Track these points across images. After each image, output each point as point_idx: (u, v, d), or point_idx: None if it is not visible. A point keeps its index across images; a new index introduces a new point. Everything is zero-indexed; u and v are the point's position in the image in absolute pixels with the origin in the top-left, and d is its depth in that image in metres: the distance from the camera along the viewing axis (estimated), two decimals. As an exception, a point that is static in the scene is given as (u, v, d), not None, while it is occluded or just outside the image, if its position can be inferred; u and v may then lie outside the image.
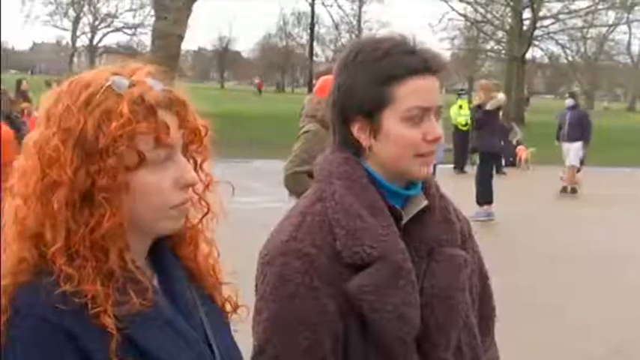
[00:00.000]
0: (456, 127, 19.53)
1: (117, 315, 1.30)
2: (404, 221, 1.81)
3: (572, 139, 15.51)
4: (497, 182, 13.26)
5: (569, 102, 16.43)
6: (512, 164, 20.54)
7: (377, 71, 1.74)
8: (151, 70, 1.41)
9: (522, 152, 20.71)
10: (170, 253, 1.52)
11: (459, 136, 19.36)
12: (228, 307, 1.60)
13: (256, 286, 1.77)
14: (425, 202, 1.83)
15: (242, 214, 11.90)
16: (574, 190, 15.68)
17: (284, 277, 1.70)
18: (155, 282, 1.45)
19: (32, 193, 1.32)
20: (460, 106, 20.06)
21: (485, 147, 12.67)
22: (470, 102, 21.16)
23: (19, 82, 14.89)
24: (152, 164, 1.36)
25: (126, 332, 1.31)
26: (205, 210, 1.53)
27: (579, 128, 15.63)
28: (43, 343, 1.26)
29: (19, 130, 6.19)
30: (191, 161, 1.47)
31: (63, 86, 1.38)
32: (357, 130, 1.79)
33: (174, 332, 1.39)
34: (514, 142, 21.31)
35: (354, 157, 1.81)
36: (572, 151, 15.57)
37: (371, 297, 1.70)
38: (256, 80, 76.56)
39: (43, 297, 1.27)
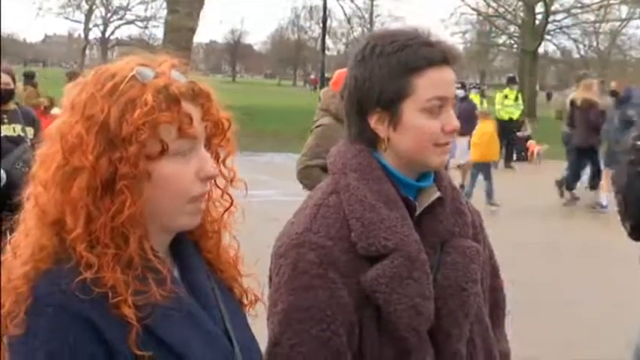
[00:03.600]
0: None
1: (137, 305, 1.30)
2: (417, 213, 1.82)
3: (460, 132, 13.81)
4: (506, 176, 13.24)
5: (459, 92, 15.00)
6: (524, 158, 20.46)
7: (396, 63, 1.75)
8: (175, 63, 1.43)
9: (533, 147, 20.61)
10: (191, 245, 1.53)
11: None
12: (246, 299, 1.61)
13: (270, 278, 1.78)
14: (437, 194, 1.84)
15: (252, 207, 11.92)
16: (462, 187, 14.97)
17: (299, 268, 1.70)
18: (176, 273, 1.46)
19: (53, 179, 1.33)
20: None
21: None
22: (483, 96, 21.08)
23: (32, 75, 14.87)
24: (174, 155, 1.37)
25: (145, 323, 1.31)
26: (228, 204, 1.56)
27: (469, 122, 13.52)
28: (63, 332, 1.26)
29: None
30: (214, 155, 1.48)
31: (88, 76, 1.39)
32: (375, 122, 1.80)
33: (194, 324, 1.40)
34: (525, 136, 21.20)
35: (367, 149, 1.82)
36: (459, 146, 13.91)
37: (386, 289, 1.70)
38: (311, 76, 76.02)
39: (64, 285, 1.27)
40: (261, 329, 1.70)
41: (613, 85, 13.59)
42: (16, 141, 5.75)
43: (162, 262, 1.40)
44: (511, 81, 21.87)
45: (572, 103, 13.14)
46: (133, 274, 1.33)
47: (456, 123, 1.79)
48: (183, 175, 1.38)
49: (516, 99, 20.27)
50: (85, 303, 1.27)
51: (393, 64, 1.75)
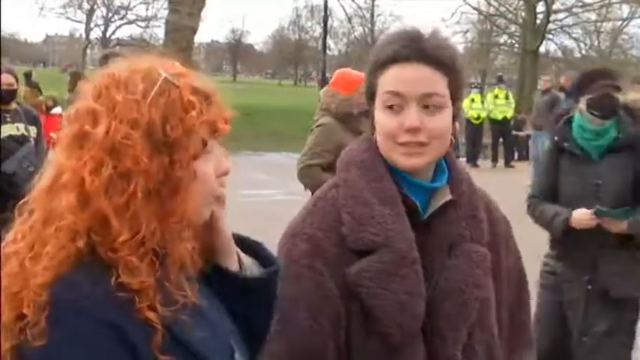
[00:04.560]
0: (468, 120, 19.46)
1: (162, 308, 1.30)
2: (427, 214, 1.81)
3: None
4: (507, 176, 13.23)
5: None
6: (525, 158, 20.47)
7: (371, 61, 1.81)
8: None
9: (534, 146, 20.59)
10: None
11: (471, 129, 19.31)
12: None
13: None
14: (448, 197, 1.83)
15: (252, 207, 11.96)
16: None
17: (291, 258, 1.76)
18: None
19: (92, 183, 1.28)
20: (472, 100, 19.99)
21: None
22: (482, 95, 21.10)
23: (29, 74, 14.90)
24: (206, 153, 1.38)
25: (167, 325, 1.30)
26: None
27: None
28: (89, 339, 1.24)
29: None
30: None
31: (102, 79, 1.36)
32: (372, 119, 1.85)
33: (204, 319, 1.40)
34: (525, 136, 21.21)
35: (375, 146, 1.84)
36: None
37: (369, 283, 1.72)
38: (319, 76, 75.75)
39: (87, 291, 1.25)
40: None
41: (562, 80, 13.55)
42: (20, 140, 5.79)
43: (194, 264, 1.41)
44: (499, 80, 21.95)
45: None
46: (172, 281, 1.33)
47: (410, 121, 1.74)
48: (210, 172, 1.39)
49: (507, 97, 20.30)
50: (109, 308, 1.25)
51: (370, 62, 1.81)
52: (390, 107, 1.77)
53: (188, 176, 1.33)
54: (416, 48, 1.76)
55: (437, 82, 1.77)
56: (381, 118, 1.79)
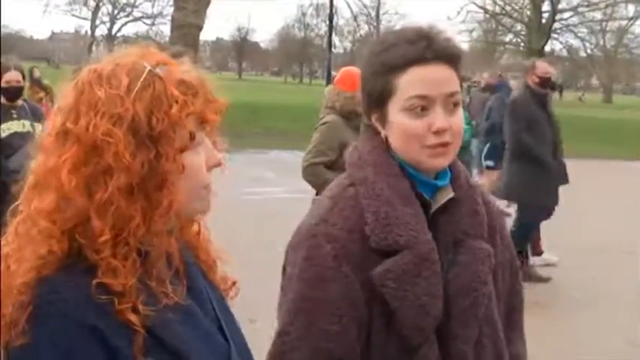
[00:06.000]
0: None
1: (144, 309, 1.27)
2: (432, 211, 1.80)
3: None
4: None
5: None
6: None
7: (380, 62, 1.76)
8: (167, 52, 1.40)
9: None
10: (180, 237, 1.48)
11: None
12: (222, 286, 1.58)
13: (284, 268, 1.79)
14: (451, 194, 1.82)
15: (257, 204, 11.98)
16: None
17: (313, 259, 1.70)
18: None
19: (70, 182, 1.26)
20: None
21: None
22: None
23: (31, 70, 14.98)
24: (196, 145, 1.35)
25: (150, 327, 1.27)
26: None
27: None
28: (67, 341, 1.22)
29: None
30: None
31: (85, 76, 1.33)
32: (375, 121, 1.81)
33: (193, 325, 1.38)
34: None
35: (382, 146, 1.82)
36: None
37: (393, 284, 1.69)
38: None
39: (66, 293, 1.23)
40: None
41: (486, 78, 13.65)
42: (26, 137, 5.81)
43: (179, 262, 1.40)
44: (474, 85, 21.91)
45: None
46: (155, 277, 1.32)
47: (441, 123, 1.72)
48: (200, 164, 1.36)
49: None
50: (89, 310, 1.23)
51: (378, 64, 1.76)
52: (414, 109, 1.74)
53: (175, 169, 1.30)
54: (434, 48, 1.73)
55: (455, 81, 1.76)
56: (405, 121, 1.74)
